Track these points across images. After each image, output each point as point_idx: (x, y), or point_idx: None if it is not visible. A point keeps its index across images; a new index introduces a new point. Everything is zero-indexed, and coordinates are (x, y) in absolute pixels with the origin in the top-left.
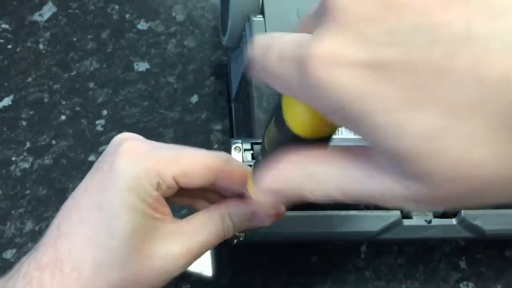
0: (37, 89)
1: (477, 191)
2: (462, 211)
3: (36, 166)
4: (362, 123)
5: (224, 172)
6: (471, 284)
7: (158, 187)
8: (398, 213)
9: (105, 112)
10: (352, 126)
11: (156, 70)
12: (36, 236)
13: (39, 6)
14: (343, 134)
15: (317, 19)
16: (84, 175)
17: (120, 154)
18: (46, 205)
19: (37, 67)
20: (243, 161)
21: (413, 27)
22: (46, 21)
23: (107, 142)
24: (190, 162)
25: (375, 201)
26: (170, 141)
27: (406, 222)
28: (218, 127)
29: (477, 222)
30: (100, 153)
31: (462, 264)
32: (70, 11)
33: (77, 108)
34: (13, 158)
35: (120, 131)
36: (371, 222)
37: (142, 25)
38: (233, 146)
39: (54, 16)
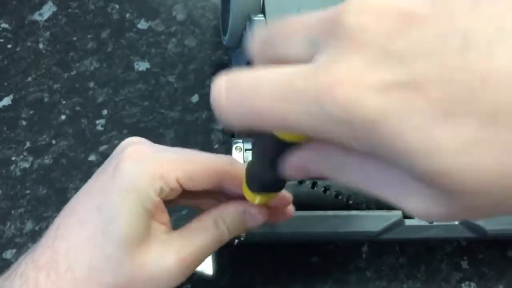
0: (37, 88)
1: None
2: None
3: (36, 166)
4: (392, 145)
5: (228, 175)
6: (473, 284)
7: (160, 191)
8: (399, 213)
9: (105, 112)
10: (381, 151)
11: (156, 70)
12: (36, 236)
13: (39, 6)
14: None
15: (314, 39)
16: (84, 175)
17: (125, 157)
18: (46, 205)
19: (37, 67)
20: (244, 161)
21: (439, 35)
22: (46, 21)
23: (107, 142)
24: (194, 165)
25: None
26: (171, 141)
27: (407, 222)
28: (219, 126)
29: (479, 222)
30: (100, 153)
31: (464, 264)
32: (70, 10)
33: (77, 108)
34: (13, 158)
35: (120, 131)
36: (373, 222)
37: (143, 25)
38: (234, 146)
39: (54, 16)
